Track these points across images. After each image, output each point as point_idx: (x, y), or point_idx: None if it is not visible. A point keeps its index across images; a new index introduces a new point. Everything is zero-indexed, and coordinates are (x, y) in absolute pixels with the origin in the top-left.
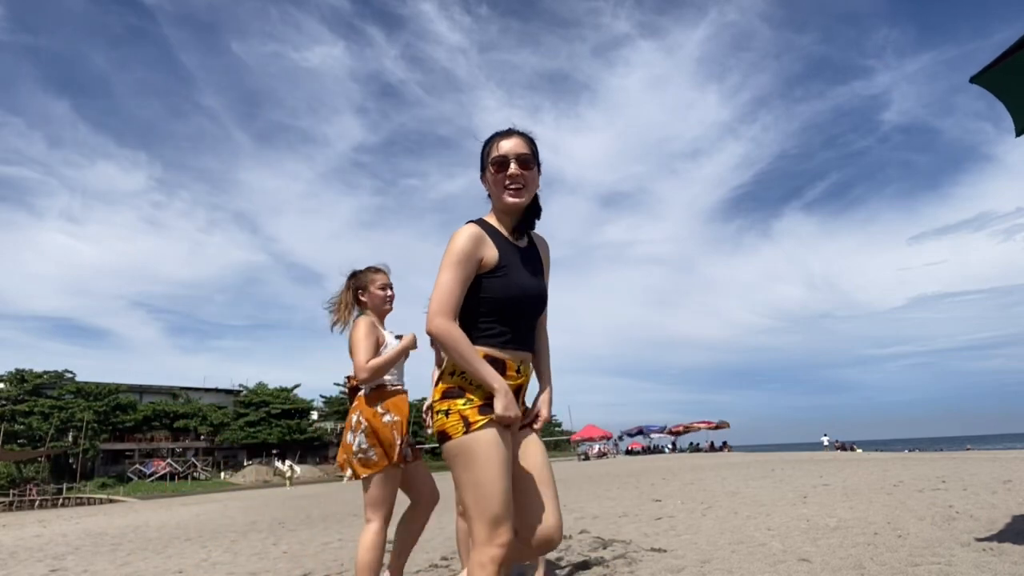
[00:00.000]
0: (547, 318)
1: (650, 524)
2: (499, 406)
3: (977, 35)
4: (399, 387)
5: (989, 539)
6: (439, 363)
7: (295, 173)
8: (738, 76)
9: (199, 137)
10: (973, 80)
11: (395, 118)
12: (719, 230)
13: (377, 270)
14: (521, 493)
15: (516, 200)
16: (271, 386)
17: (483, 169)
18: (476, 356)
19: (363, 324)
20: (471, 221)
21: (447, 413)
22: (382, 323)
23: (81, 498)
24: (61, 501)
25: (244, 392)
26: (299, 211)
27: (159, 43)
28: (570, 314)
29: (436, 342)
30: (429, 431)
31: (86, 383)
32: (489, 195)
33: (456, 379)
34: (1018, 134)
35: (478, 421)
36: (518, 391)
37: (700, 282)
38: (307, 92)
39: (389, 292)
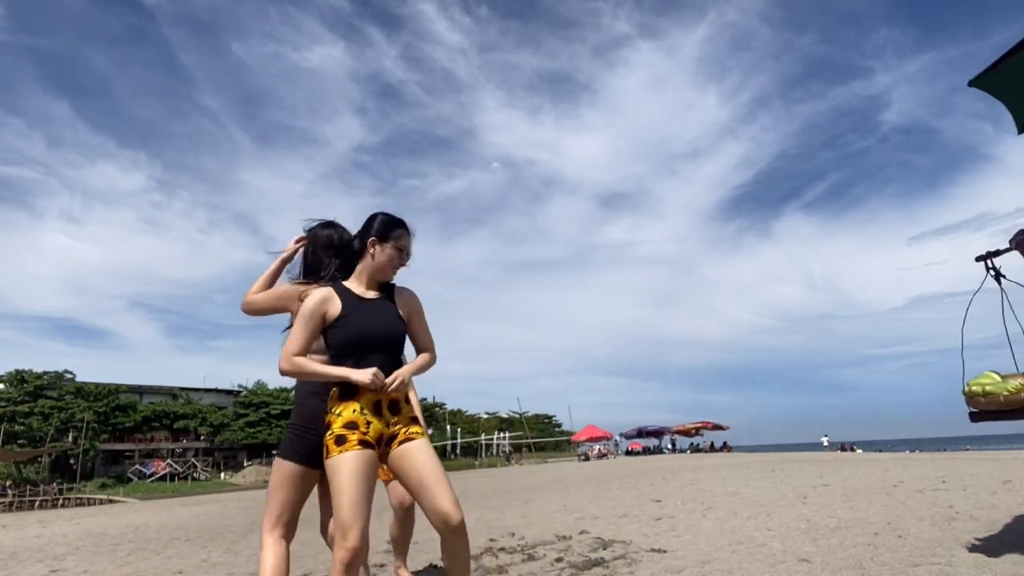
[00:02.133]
0: (430, 350)
1: (650, 525)
2: (361, 378)
3: (977, 36)
4: None
5: (989, 539)
6: None
7: (295, 173)
8: (738, 76)
9: (199, 137)
10: (972, 83)
11: (395, 118)
12: (719, 230)
13: None
14: (417, 492)
15: (393, 277)
16: (271, 386)
17: (378, 238)
18: (321, 365)
19: None
20: (327, 284)
21: (322, 446)
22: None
23: (81, 498)
24: (61, 501)
25: (244, 392)
26: (299, 211)
27: (159, 43)
28: (570, 314)
29: (291, 375)
30: None
31: (86, 383)
32: (360, 254)
33: (329, 415)
34: (1020, 131)
35: (333, 451)
36: (378, 404)
37: (700, 282)
38: (307, 92)
39: None
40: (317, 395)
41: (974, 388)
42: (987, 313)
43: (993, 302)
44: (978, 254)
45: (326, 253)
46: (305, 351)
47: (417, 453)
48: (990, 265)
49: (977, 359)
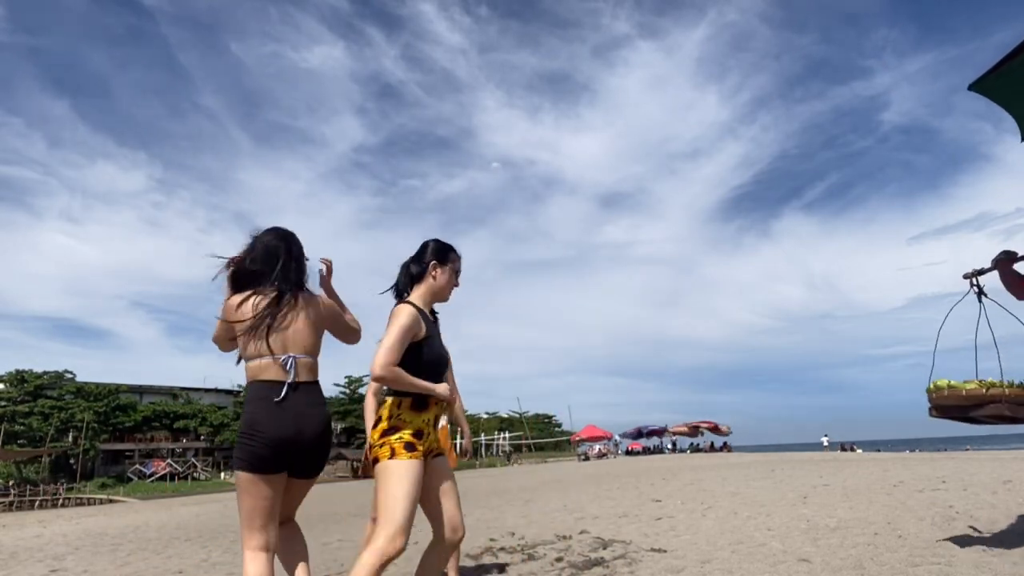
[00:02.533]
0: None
1: (650, 524)
2: (444, 393)
3: (977, 35)
4: None
5: (989, 539)
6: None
7: (295, 173)
8: (738, 76)
9: (199, 137)
10: (972, 87)
11: (395, 119)
12: (719, 230)
13: None
14: (435, 500)
15: (449, 299)
16: None
17: (440, 263)
18: (416, 379)
19: None
20: (406, 302)
21: (382, 446)
22: None
23: (81, 498)
24: (61, 501)
25: (244, 392)
26: (299, 211)
27: (159, 43)
28: (570, 314)
29: (386, 383)
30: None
31: (86, 383)
32: (423, 277)
33: (393, 420)
34: (1023, 139)
35: (401, 455)
36: (435, 419)
37: (700, 282)
38: (306, 92)
39: None
40: (259, 400)
41: (939, 383)
42: (988, 314)
43: (989, 306)
44: (965, 272)
45: (266, 262)
46: (398, 362)
47: (443, 468)
48: (974, 283)
49: (968, 360)
